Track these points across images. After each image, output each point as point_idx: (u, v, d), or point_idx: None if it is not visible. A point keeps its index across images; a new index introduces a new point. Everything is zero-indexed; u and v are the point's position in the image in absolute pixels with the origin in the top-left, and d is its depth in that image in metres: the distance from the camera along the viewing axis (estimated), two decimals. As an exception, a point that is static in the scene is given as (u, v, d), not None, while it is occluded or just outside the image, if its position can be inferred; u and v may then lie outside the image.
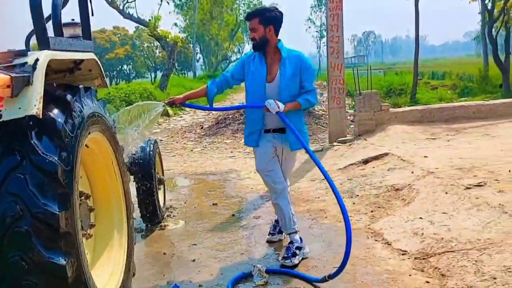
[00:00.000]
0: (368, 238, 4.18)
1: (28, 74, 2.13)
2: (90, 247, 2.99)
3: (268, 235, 4.34)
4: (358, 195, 5.40)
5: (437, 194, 4.56)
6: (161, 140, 11.59)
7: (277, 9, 3.76)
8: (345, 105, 8.87)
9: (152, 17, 23.67)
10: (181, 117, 17.37)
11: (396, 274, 3.41)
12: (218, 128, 11.99)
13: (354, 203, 5.20)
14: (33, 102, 2.10)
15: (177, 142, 11.18)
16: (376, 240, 4.10)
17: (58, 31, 2.67)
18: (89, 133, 2.68)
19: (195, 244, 4.35)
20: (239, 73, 3.89)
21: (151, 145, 4.96)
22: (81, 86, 2.65)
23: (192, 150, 9.76)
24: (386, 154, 6.53)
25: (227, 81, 3.93)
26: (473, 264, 3.22)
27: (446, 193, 4.51)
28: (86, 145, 2.74)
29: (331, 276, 3.31)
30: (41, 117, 2.12)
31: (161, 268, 3.87)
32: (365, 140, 7.83)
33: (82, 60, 2.95)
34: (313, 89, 3.77)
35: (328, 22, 8.57)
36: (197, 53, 58.18)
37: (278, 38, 3.79)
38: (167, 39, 22.94)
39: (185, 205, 5.68)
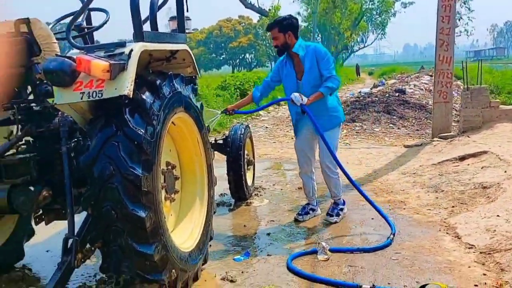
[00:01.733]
0: (439, 230, 4.24)
1: (124, 61, 2.66)
2: (175, 208, 3.55)
3: (297, 215, 4.76)
4: (443, 190, 5.37)
5: (522, 194, 4.43)
6: (266, 127, 12.19)
7: (292, 16, 4.40)
8: (452, 100, 8.60)
9: (272, 6, 24.47)
10: (291, 105, 17.87)
11: (456, 264, 3.49)
12: (323, 117, 12.22)
13: (437, 197, 5.21)
14: (126, 85, 2.63)
15: (280, 129, 11.66)
16: (447, 233, 4.15)
17: (154, 26, 3.20)
18: (175, 113, 3.19)
19: (273, 221, 4.77)
20: (276, 77, 4.57)
21: (243, 129, 5.45)
22: (171, 72, 3.16)
23: (292, 138, 10.10)
24: (485, 152, 6.31)
25: (268, 85, 4.63)
26: (534, 263, 3.20)
27: (532, 194, 4.36)
28: (173, 122, 3.27)
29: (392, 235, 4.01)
30: (131, 97, 2.65)
31: (239, 237, 4.35)
32: (468, 137, 7.57)
33: (176, 51, 3.48)
34: (331, 75, 4.23)
35: (439, 13, 8.34)
36: (318, 42, 58.41)
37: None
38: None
39: (273, 187, 6.11)
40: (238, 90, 16.85)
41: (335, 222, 4.61)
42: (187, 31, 4.83)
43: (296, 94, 4.19)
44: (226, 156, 5.31)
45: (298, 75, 4.38)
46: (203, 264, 3.57)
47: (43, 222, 3.32)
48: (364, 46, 64.53)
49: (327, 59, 4.29)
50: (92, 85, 2.64)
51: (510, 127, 7.63)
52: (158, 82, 2.95)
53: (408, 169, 6.60)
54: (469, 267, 3.43)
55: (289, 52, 4.39)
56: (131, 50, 2.72)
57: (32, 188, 3.01)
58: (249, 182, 5.60)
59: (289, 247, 4.06)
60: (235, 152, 5.25)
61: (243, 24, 67.91)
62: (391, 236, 4.05)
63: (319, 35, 54.96)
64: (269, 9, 23.97)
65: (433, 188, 5.52)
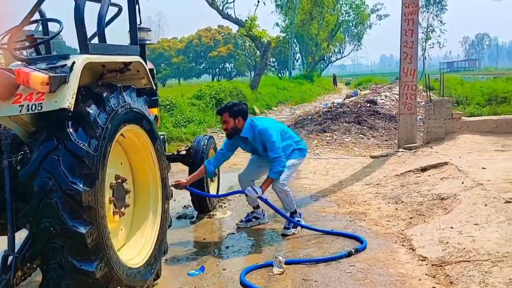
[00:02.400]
0: (395, 242, 4.27)
1: (66, 74, 2.62)
2: (126, 223, 3.49)
3: (239, 222, 4.99)
4: (403, 202, 5.43)
5: (476, 205, 4.49)
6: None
7: (242, 102, 4.75)
8: (416, 111, 8.73)
9: (248, 17, 24.52)
10: (266, 116, 17.88)
11: (407, 277, 3.51)
12: (295, 128, 12.29)
13: (397, 209, 5.25)
14: (66, 97, 2.59)
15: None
16: (402, 245, 4.19)
17: (102, 38, 3.16)
18: (125, 125, 3.14)
19: (233, 233, 4.75)
20: (231, 148, 4.81)
21: (206, 140, 5.42)
22: (119, 84, 3.12)
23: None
24: (446, 163, 6.41)
25: (223, 155, 4.81)
26: (482, 274, 3.24)
27: (486, 205, 4.42)
28: (122, 135, 3.23)
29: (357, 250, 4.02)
30: (72, 110, 2.60)
31: (196, 250, 4.32)
32: (431, 148, 7.68)
33: (129, 62, 3.45)
34: (276, 156, 4.50)
35: (402, 26, 8.48)
36: (296, 53, 58.80)
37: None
38: (262, 39, 23.65)
39: (238, 198, 6.08)
40: (213, 99, 16.80)
41: (293, 234, 4.61)
42: (147, 42, 4.82)
43: (249, 188, 4.49)
44: (188, 168, 5.27)
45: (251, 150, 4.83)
46: (155, 280, 3.52)
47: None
48: (342, 57, 65.19)
49: (270, 140, 4.51)
50: (32, 98, 2.59)
51: (471, 138, 7.78)
52: (104, 94, 2.91)
53: (372, 180, 6.66)
54: (420, 279, 3.45)
55: (238, 134, 4.63)
56: (73, 63, 2.68)
57: None
58: (212, 192, 5.57)
59: (246, 260, 4.03)
60: (198, 163, 5.21)
61: (223, 34, 68.06)
62: (353, 250, 4.03)
63: (297, 45, 55.39)
64: (246, 20, 24.02)
65: (394, 199, 5.57)
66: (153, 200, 3.69)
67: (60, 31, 3.97)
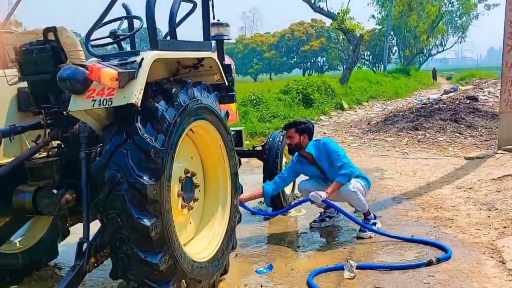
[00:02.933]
0: (484, 253, 3.90)
1: (134, 70, 2.68)
2: (194, 217, 3.52)
3: (312, 222, 4.85)
4: (497, 209, 4.95)
5: None
6: (324, 133, 11.95)
7: (309, 121, 4.84)
8: (522, 110, 7.93)
9: (341, 10, 24.03)
10: (355, 111, 17.46)
11: (493, 294, 3.18)
12: (385, 125, 11.81)
13: (489, 216, 4.80)
14: (134, 93, 2.64)
15: (338, 136, 11.38)
16: (491, 257, 3.81)
17: (173, 35, 3.20)
18: (194, 120, 3.15)
19: (305, 233, 4.63)
20: (293, 175, 4.77)
21: (281, 136, 5.33)
22: (190, 80, 3.14)
23: (349, 145, 9.88)
24: (552, 168, 5.76)
25: (284, 180, 4.71)
26: None
27: None
28: (191, 130, 3.25)
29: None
30: (140, 105, 2.65)
31: (266, 248, 4.27)
32: (536, 150, 6.95)
33: (202, 58, 3.47)
34: (342, 163, 4.39)
35: (506, 17, 7.73)
36: (393, 46, 56.56)
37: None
38: (354, 32, 23.06)
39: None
40: (300, 94, 16.71)
41: (369, 237, 4.38)
42: (225, 37, 4.82)
43: (313, 194, 4.29)
44: (263, 164, 5.24)
45: (319, 170, 4.63)
46: (222, 275, 3.52)
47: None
48: (443, 50, 61.64)
49: (335, 151, 4.49)
50: (103, 93, 2.68)
51: None
52: (174, 90, 2.93)
53: (464, 183, 6.16)
54: (507, 297, 3.11)
55: (300, 152, 4.63)
56: (142, 59, 2.73)
57: (55, 191, 3.11)
58: (288, 191, 5.48)
59: (316, 261, 3.90)
60: (272, 159, 5.15)
61: (316, 27, 67.51)
62: (434, 259, 3.74)
63: (394, 38, 53.24)
64: (338, 13, 23.54)
65: (486, 206, 5.10)
66: (222, 194, 3.68)
67: (141, 27, 4.11)
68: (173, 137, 2.88)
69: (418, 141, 9.91)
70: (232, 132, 5.52)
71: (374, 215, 4.59)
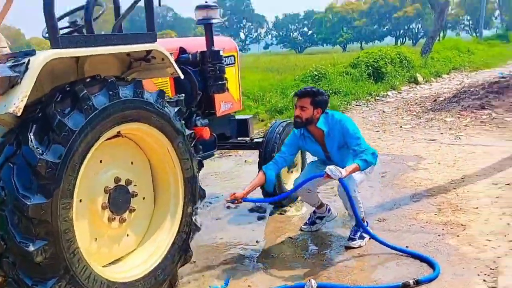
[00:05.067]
0: (478, 274, 3.28)
1: (18, 74, 2.43)
2: (135, 228, 3.28)
3: (303, 225, 4.39)
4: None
5: None
6: (383, 111, 11.11)
7: (325, 92, 3.99)
8: None
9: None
10: (430, 85, 16.11)
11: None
12: (450, 102, 10.70)
13: (509, 224, 4.06)
14: (13, 101, 2.40)
15: (397, 115, 10.48)
16: (484, 280, 3.19)
17: (89, 29, 2.91)
18: (119, 124, 2.87)
19: (291, 238, 4.23)
20: (294, 151, 4.11)
21: (281, 127, 4.88)
22: (112, 79, 2.84)
23: (401, 127, 9.05)
24: None
25: (284, 160, 4.03)
26: None
27: None
28: (119, 134, 3.00)
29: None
30: (19, 114, 2.40)
31: (235, 257, 3.90)
32: None
33: (149, 51, 3.19)
34: (365, 148, 3.74)
35: None
36: (495, 9, 51.39)
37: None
38: (438, -2, 21.14)
39: (326, 191, 5.42)
40: (370, 67, 15.68)
41: (359, 246, 3.89)
42: (213, 21, 4.44)
43: (332, 167, 3.59)
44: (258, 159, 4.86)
45: (324, 151, 4.06)
46: (167, 291, 3.28)
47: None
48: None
49: (354, 133, 3.81)
50: (-11, 100, 2.49)
51: None
52: (83, 93, 2.66)
53: (504, 179, 5.32)
54: None
55: (308, 128, 3.98)
56: (29, 61, 2.48)
57: None
58: (288, 186, 5.03)
59: (281, 277, 3.51)
60: (269, 154, 4.73)
61: (416, -10, 63.23)
62: (411, 281, 3.19)
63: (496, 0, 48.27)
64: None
65: (513, 210, 4.33)
66: (173, 202, 3.41)
67: (102, 13, 3.89)
68: (77, 147, 2.63)
69: (481, 122, 8.82)
70: (237, 121, 5.27)
71: (366, 221, 4.03)
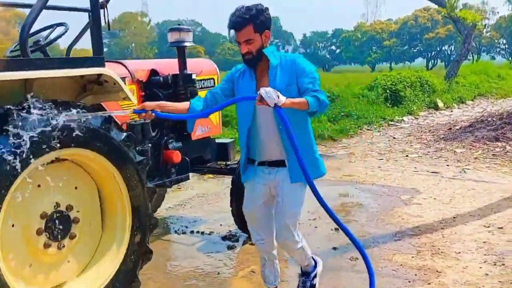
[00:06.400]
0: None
1: None
2: (78, 255, 3.15)
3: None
4: (504, 264, 3.88)
5: None
6: (393, 137, 10.81)
7: (264, 6, 2.91)
8: None
9: (453, -4, 21.60)
10: (451, 111, 15.67)
11: None
12: (464, 132, 10.31)
13: (487, 274, 3.76)
14: None
15: (406, 142, 10.16)
16: None
17: (23, 51, 2.83)
18: (49, 152, 2.75)
19: (253, 272, 4.03)
20: (229, 89, 3.09)
21: None
22: (49, 103, 2.74)
23: (407, 156, 8.73)
24: None
25: (214, 98, 3.08)
26: None
27: None
28: (58, 159, 2.89)
29: None
30: None
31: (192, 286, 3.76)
32: None
33: (100, 75, 3.12)
34: (319, 89, 2.83)
35: None
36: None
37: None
38: (465, 22, 20.64)
39: (311, 221, 5.19)
40: (387, 91, 15.38)
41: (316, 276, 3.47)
42: (186, 44, 4.36)
43: (269, 88, 2.64)
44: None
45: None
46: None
47: None
48: None
49: (311, 73, 2.89)
50: None
51: None
52: (11, 117, 2.58)
53: (497, 221, 4.99)
54: None
55: (258, 61, 2.97)
56: None
57: None
58: None
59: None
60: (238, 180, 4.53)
61: (442, 13, 62.42)
62: None
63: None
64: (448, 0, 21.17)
65: (496, 257, 4.02)
66: (120, 230, 3.28)
67: (63, 33, 3.85)
68: (4, 173, 2.54)
69: (493, 155, 8.43)
70: (217, 145, 5.13)
71: (315, 261, 3.42)
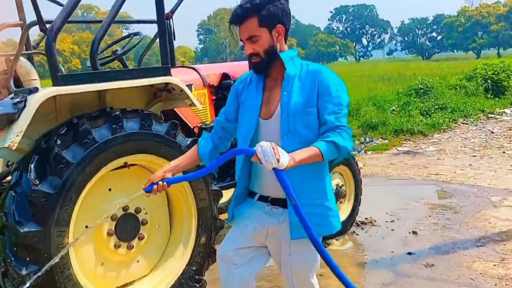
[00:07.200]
0: None
1: (15, 111, 2.63)
2: (147, 254, 3.36)
3: None
4: None
5: None
6: (491, 132, 10.02)
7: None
8: None
9: None
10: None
11: None
12: None
13: None
14: (10, 136, 2.61)
15: (505, 137, 9.39)
16: None
17: (93, 64, 3.04)
18: (123, 156, 3.00)
19: (321, 275, 3.98)
20: (233, 110, 2.37)
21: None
22: (117, 113, 2.96)
23: (504, 152, 8.07)
24: None
25: (223, 128, 2.41)
26: None
27: None
28: (126, 165, 3.10)
29: None
30: (13, 149, 2.60)
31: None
32: None
33: (166, 83, 3.33)
34: (341, 124, 2.08)
35: None
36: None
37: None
38: None
39: (391, 224, 4.98)
40: (488, 81, 14.30)
41: None
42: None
43: (266, 144, 1.91)
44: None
45: (264, 109, 2.25)
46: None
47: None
48: None
49: (337, 95, 2.14)
50: (-6, 133, 2.73)
51: None
52: (84, 127, 2.82)
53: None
54: None
55: (268, 69, 2.25)
56: (26, 99, 2.66)
57: None
58: (344, 215, 4.70)
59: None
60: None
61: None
62: None
63: None
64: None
65: None
66: (186, 231, 3.45)
67: (138, 43, 4.07)
68: (75, 179, 2.78)
69: None
70: None
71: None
